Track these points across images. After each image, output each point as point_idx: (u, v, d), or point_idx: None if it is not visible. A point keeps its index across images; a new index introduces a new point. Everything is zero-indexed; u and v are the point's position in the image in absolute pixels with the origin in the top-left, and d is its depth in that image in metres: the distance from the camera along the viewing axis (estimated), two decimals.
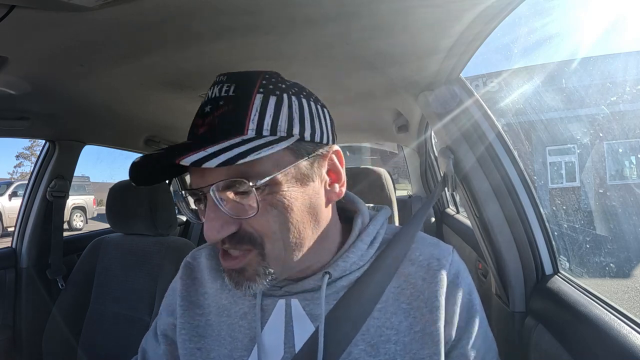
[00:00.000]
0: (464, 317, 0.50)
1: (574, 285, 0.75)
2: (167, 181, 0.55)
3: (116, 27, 0.56)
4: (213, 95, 0.45)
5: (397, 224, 1.00)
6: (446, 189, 0.98)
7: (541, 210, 0.86)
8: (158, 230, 1.28)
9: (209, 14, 0.55)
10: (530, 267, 0.84)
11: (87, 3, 0.47)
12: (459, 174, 0.92)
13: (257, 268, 0.44)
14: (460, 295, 0.50)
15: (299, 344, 0.49)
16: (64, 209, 1.52)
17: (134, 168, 0.43)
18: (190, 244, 1.31)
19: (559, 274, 0.82)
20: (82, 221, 9.51)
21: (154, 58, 0.75)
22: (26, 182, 1.53)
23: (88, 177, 10.70)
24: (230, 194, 0.42)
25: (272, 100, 0.44)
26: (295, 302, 0.50)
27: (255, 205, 0.41)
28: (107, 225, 1.42)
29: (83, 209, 9.67)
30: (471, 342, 0.49)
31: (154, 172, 0.45)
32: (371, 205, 0.60)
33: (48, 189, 1.43)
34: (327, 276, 0.48)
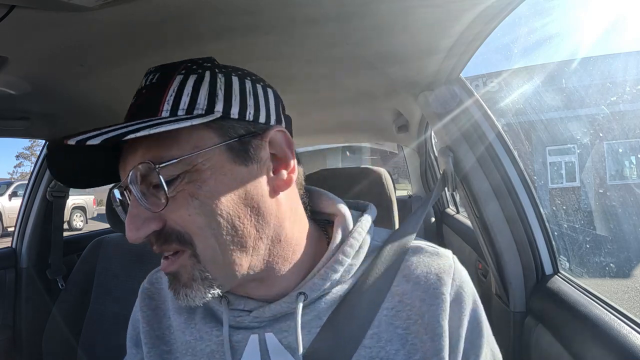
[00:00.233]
0: (470, 337, 0.43)
1: (574, 285, 0.75)
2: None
3: (116, 27, 0.56)
4: (139, 87, 0.41)
5: (397, 224, 1.00)
6: (446, 189, 0.98)
7: (541, 210, 0.86)
8: None
9: (209, 14, 0.55)
10: (530, 267, 0.84)
11: (87, 3, 0.47)
12: (459, 174, 0.92)
13: (192, 272, 0.37)
14: (466, 315, 0.43)
15: None
16: (64, 209, 1.52)
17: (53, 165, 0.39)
18: None
19: (559, 274, 0.82)
20: (82, 221, 9.51)
21: (154, 58, 0.75)
22: (26, 182, 1.53)
23: None
24: (147, 185, 0.37)
25: (192, 79, 0.38)
26: (270, 336, 0.42)
27: (163, 194, 0.35)
28: (107, 225, 1.42)
29: (83, 209, 9.67)
30: None
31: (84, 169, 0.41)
32: (352, 201, 0.53)
33: (48, 189, 1.42)
34: (301, 297, 0.40)
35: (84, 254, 1.33)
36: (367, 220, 0.47)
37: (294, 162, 0.42)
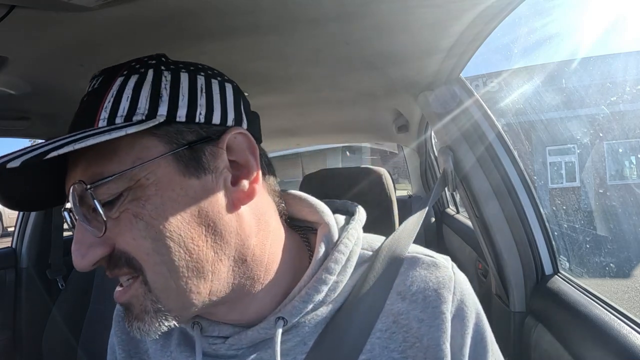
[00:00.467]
0: (474, 355, 0.40)
1: (574, 285, 0.75)
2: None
3: (116, 27, 0.56)
4: (83, 95, 0.36)
5: (397, 224, 1.00)
6: (446, 189, 0.98)
7: (541, 210, 0.86)
8: None
9: (209, 14, 0.55)
10: (530, 267, 0.84)
11: (87, 3, 0.47)
12: (459, 174, 0.92)
13: (144, 302, 0.32)
14: (469, 332, 0.39)
15: None
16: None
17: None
18: None
19: (559, 274, 0.82)
20: None
21: None
22: None
23: None
24: (87, 207, 0.32)
25: (133, 80, 0.33)
26: None
27: (100, 217, 0.31)
28: None
29: None
30: None
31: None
32: (339, 203, 0.48)
33: None
34: (280, 323, 0.36)
35: None
36: (354, 228, 0.42)
37: (257, 170, 0.36)
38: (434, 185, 2.01)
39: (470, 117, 0.89)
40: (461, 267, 0.45)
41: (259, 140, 0.40)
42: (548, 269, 0.84)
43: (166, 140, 0.33)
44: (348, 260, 0.40)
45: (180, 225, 0.32)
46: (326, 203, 0.45)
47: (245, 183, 0.35)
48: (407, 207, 2.09)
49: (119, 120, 0.32)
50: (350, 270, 0.40)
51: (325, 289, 0.37)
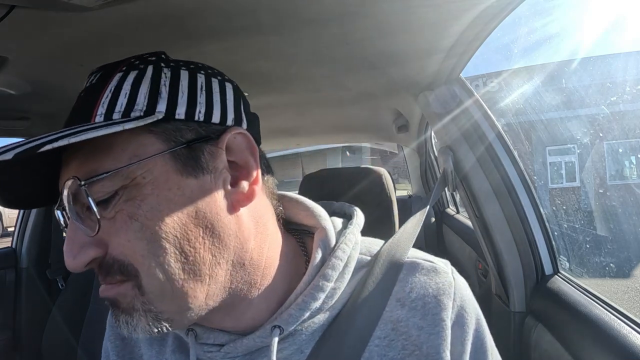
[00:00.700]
0: None
1: (574, 285, 0.75)
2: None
3: (116, 27, 0.56)
4: (81, 90, 0.36)
5: (397, 224, 1.00)
6: (446, 189, 0.99)
7: (541, 210, 0.86)
8: None
9: (209, 14, 0.55)
10: (530, 267, 0.84)
11: (87, 3, 0.47)
12: (459, 174, 0.92)
13: (132, 302, 0.31)
14: (469, 339, 0.39)
15: None
16: None
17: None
18: None
19: (559, 274, 0.82)
20: None
21: None
22: None
23: None
24: (81, 205, 0.31)
25: (132, 76, 0.33)
26: None
27: (94, 216, 0.29)
28: None
29: None
30: None
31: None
32: (337, 205, 0.47)
33: None
34: (277, 331, 0.35)
35: None
36: (352, 232, 0.41)
37: (257, 171, 0.35)
38: (434, 185, 2.01)
39: (470, 117, 0.89)
40: (461, 267, 0.45)
41: (258, 142, 0.39)
42: (548, 269, 0.84)
43: (164, 138, 0.32)
44: (346, 266, 0.39)
45: (177, 227, 0.30)
46: (323, 205, 0.44)
47: (244, 184, 0.34)
48: (407, 207, 2.09)
49: (116, 116, 0.31)
50: (348, 276, 0.39)
51: (322, 296, 0.36)
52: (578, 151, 5.57)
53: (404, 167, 2.46)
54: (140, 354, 0.43)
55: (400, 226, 0.60)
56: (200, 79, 0.35)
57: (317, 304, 0.36)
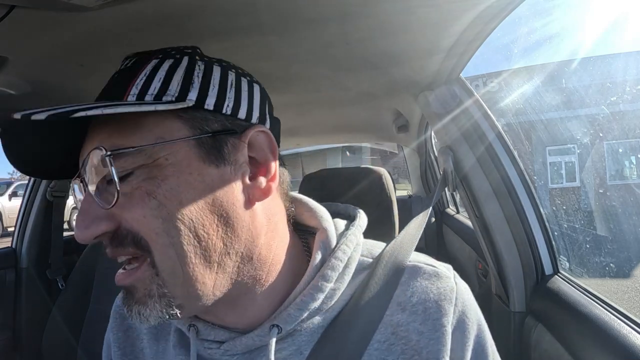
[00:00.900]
0: None
1: (574, 285, 0.75)
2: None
3: (116, 27, 0.56)
4: (114, 72, 0.37)
5: (397, 224, 1.00)
6: (446, 189, 0.99)
7: (541, 210, 0.86)
8: None
9: (209, 14, 0.55)
10: (530, 267, 0.84)
11: (87, 3, 0.47)
12: (459, 174, 0.92)
13: (149, 286, 0.32)
14: (469, 344, 0.38)
15: None
16: (64, 209, 1.52)
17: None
18: None
19: (559, 274, 0.82)
20: None
21: None
22: (26, 182, 1.53)
23: None
24: (101, 178, 0.32)
25: (168, 63, 0.35)
26: None
27: (113, 187, 0.30)
28: None
29: None
30: None
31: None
32: (341, 206, 0.48)
33: (48, 188, 1.42)
34: (275, 330, 0.35)
35: (84, 254, 1.33)
36: (353, 234, 0.41)
37: (275, 169, 0.36)
38: (434, 185, 2.02)
39: (470, 117, 0.89)
40: (461, 267, 0.44)
41: (277, 144, 0.40)
42: (548, 269, 0.84)
43: (191, 125, 0.33)
44: (346, 267, 0.39)
45: (193, 210, 0.31)
46: (327, 206, 0.45)
47: (262, 180, 0.35)
48: (407, 207, 2.09)
49: (148, 98, 0.33)
50: (348, 277, 0.39)
51: (321, 296, 0.37)
52: (578, 151, 5.58)
53: (404, 167, 2.46)
54: (141, 347, 0.44)
55: (400, 226, 0.60)
56: (231, 76, 0.37)
57: (316, 304, 0.36)
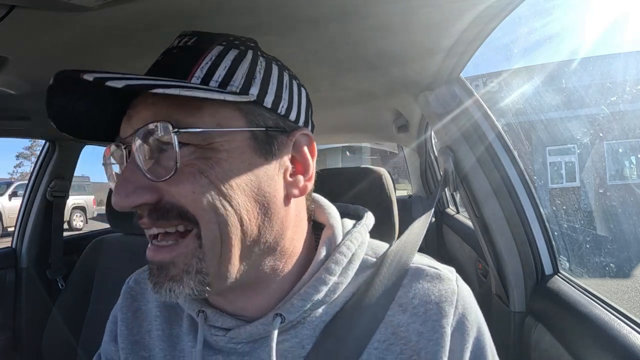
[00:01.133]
0: None
1: (574, 285, 0.75)
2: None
3: (116, 27, 0.56)
4: (170, 47, 0.37)
5: (397, 224, 1.00)
6: (446, 189, 0.98)
7: (541, 210, 0.86)
8: None
9: (209, 14, 0.55)
10: (530, 267, 0.84)
11: (87, 3, 0.47)
12: (459, 174, 0.92)
13: (190, 260, 0.33)
14: (468, 346, 0.39)
15: None
16: (64, 209, 1.52)
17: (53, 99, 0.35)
18: None
19: (559, 274, 0.82)
20: (82, 221, 9.51)
21: (154, 58, 0.75)
22: (26, 182, 1.54)
23: (88, 177, 10.70)
24: (151, 147, 0.32)
25: (233, 53, 0.36)
26: None
27: (172, 163, 0.31)
28: (107, 225, 1.42)
29: (83, 209, 9.67)
30: None
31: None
32: (352, 207, 0.49)
33: (48, 189, 1.43)
34: (278, 319, 0.36)
35: (84, 254, 1.33)
36: (359, 231, 0.42)
37: (313, 170, 0.39)
38: (434, 185, 2.02)
39: (470, 117, 0.89)
40: (461, 267, 0.45)
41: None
42: (548, 268, 0.84)
43: (249, 118, 0.35)
44: (350, 262, 0.40)
45: (241, 194, 0.33)
46: (338, 207, 0.47)
47: (301, 178, 0.38)
48: (407, 207, 2.09)
49: (213, 84, 0.34)
50: (351, 273, 0.40)
51: (324, 289, 0.37)
52: (578, 151, 5.57)
53: (404, 167, 2.46)
54: (148, 329, 0.44)
55: (400, 226, 0.60)
56: (286, 77, 0.39)
57: (319, 296, 0.37)
